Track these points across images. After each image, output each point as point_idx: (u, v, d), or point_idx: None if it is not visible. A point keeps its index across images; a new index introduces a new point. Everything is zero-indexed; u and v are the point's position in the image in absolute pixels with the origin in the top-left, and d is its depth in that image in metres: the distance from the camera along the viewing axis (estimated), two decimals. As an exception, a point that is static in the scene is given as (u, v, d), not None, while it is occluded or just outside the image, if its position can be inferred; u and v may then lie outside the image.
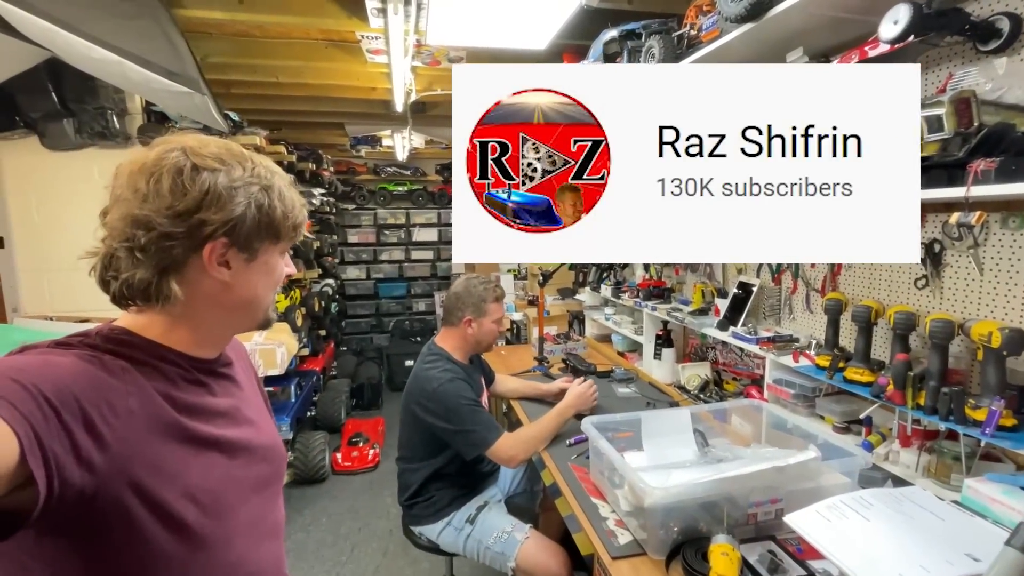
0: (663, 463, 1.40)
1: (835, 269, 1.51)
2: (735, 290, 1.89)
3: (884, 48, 1.11)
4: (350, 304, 6.22)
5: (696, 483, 1.13)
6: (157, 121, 2.71)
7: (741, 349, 1.98)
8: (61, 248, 2.73)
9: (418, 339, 5.77)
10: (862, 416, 1.29)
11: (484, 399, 1.94)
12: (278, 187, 0.73)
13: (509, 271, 4.64)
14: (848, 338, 1.47)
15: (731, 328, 1.77)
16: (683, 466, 1.34)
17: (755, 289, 1.80)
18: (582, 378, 1.97)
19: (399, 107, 3.21)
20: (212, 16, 2.12)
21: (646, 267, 2.59)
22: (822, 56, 1.33)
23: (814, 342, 1.52)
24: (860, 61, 1.19)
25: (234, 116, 2.98)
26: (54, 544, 0.57)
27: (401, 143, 4.68)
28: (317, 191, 4.40)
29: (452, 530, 1.74)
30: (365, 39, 2.45)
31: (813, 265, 1.61)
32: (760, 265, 1.84)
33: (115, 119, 2.57)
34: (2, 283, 2.81)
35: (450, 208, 6.44)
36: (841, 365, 1.31)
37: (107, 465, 0.56)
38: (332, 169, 5.27)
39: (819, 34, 1.32)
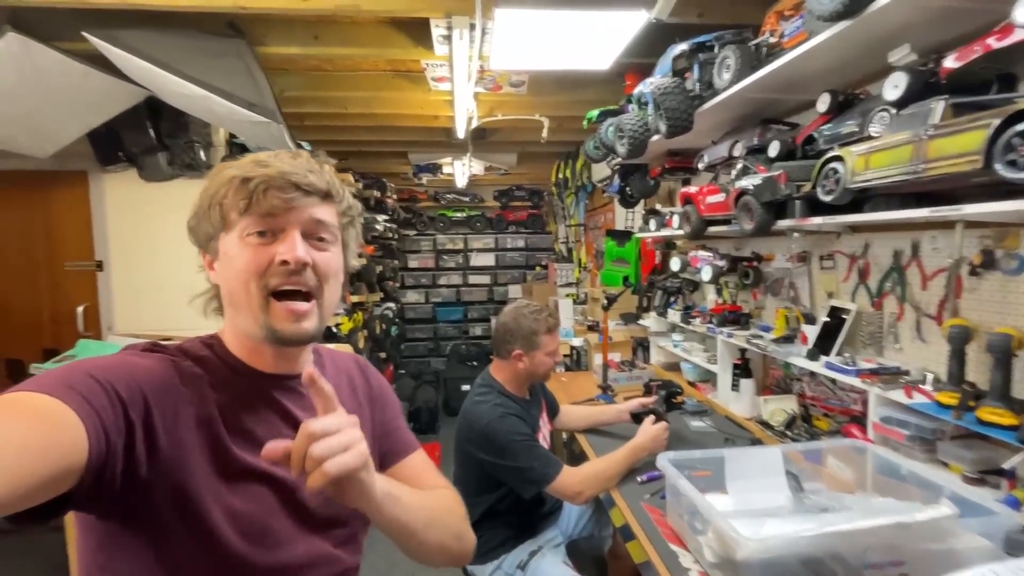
0: (752, 508, 1.25)
1: (956, 291, 1.31)
2: (825, 316, 1.71)
3: (1019, 36, 0.96)
4: (409, 328, 6.32)
5: (799, 536, 0.98)
6: (238, 152, 2.90)
7: (834, 382, 1.77)
8: (150, 271, 2.94)
9: (474, 363, 5.75)
10: (1005, 466, 1.08)
11: (545, 433, 1.82)
12: (224, 171, 0.65)
13: (568, 296, 4.55)
14: (976, 372, 1.26)
15: (823, 358, 1.59)
16: (777, 514, 1.17)
17: (850, 315, 1.61)
18: (660, 405, 1.79)
19: (460, 134, 3.26)
20: (290, 51, 2.24)
21: (718, 290, 2.42)
22: (932, 52, 1.18)
23: (930, 376, 1.32)
24: (985, 54, 1.04)
25: (307, 146, 3.14)
26: (118, 529, 0.59)
27: (461, 170, 4.77)
28: (381, 217, 4.55)
29: (502, 574, 1.63)
30: (430, 67, 2.51)
31: (925, 286, 1.41)
32: (855, 287, 1.66)
33: (202, 151, 2.76)
34: (100, 303, 3.06)
35: (507, 233, 6.48)
36: (972, 404, 1.11)
37: (152, 472, 0.57)
38: (395, 197, 5.45)
39: (928, 27, 1.18)
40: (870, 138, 1.27)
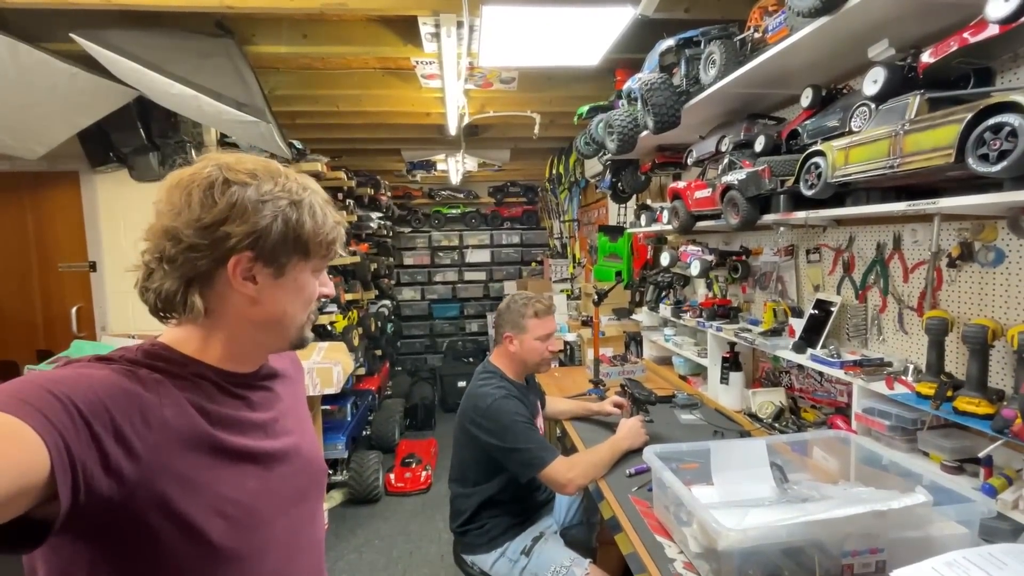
0: (737, 499, 1.27)
1: (936, 284, 1.33)
2: (812, 309, 1.72)
3: (992, 31, 0.98)
4: (405, 325, 6.33)
5: (779, 525, 1.00)
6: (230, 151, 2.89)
7: (820, 374, 1.79)
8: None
9: (470, 360, 5.76)
10: (981, 455, 1.10)
11: (539, 422, 1.86)
12: (309, 202, 0.71)
13: (562, 291, 4.56)
14: (955, 363, 1.28)
15: (809, 350, 1.61)
16: (761, 504, 1.20)
17: (835, 308, 1.63)
18: (632, 410, 1.86)
19: (452, 130, 3.26)
20: (279, 51, 2.24)
21: (708, 284, 2.44)
22: (911, 48, 1.19)
23: (911, 367, 1.34)
24: (960, 48, 1.06)
25: (298, 144, 3.14)
26: (86, 549, 0.58)
27: (455, 167, 4.76)
28: (375, 215, 4.54)
29: (506, 561, 1.66)
30: (420, 64, 2.51)
31: (906, 279, 1.43)
32: (840, 280, 1.67)
33: (192, 151, 2.76)
34: (94, 304, 3.06)
35: (502, 229, 6.49)
36: (950, 394, 1.13)
37: (137, 475, 0.57)
38: (389, 194, 5.45)
39: (906, 23, 1.19)
40: (852, 133, 1.29)
